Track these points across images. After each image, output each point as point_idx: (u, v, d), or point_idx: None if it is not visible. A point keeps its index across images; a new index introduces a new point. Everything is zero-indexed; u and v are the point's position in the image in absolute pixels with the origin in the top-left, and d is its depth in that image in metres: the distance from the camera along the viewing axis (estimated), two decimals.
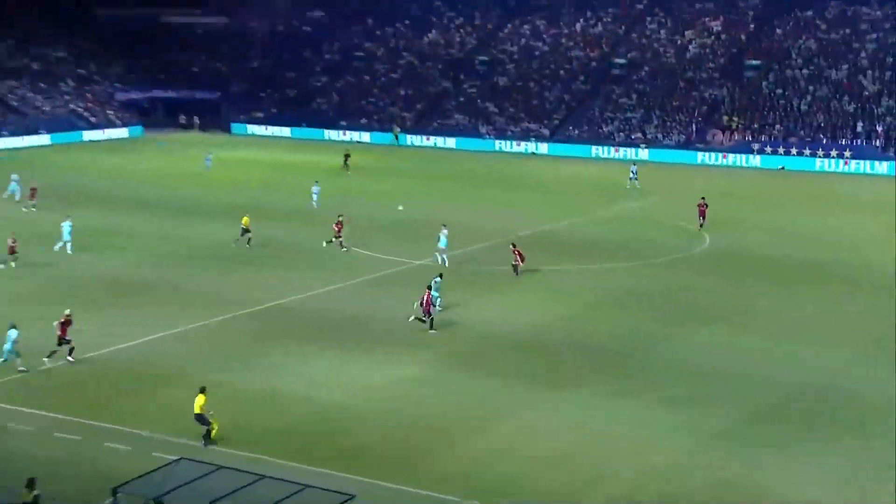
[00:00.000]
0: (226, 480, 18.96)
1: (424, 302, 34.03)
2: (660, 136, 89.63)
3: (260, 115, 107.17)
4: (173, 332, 33.56)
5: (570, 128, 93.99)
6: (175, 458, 20.84)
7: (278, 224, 52.15)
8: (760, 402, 27.99)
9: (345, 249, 45.99)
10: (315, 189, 57.68)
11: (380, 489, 22.47)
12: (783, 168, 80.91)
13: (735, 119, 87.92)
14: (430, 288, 34.63)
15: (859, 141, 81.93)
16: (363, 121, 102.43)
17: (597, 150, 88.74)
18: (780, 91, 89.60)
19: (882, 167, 78.39)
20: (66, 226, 45.22)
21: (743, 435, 25.67)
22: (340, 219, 46.86)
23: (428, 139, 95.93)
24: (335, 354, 31.79)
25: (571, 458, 24.16)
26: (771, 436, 25.59)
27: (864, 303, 38.62)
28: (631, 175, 68.21)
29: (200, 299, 37.81)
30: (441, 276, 36.91)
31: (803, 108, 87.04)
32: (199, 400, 24.68)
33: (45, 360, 29.97)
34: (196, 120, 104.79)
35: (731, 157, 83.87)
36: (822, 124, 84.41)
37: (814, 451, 24.63)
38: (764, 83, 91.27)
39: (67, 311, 30.78)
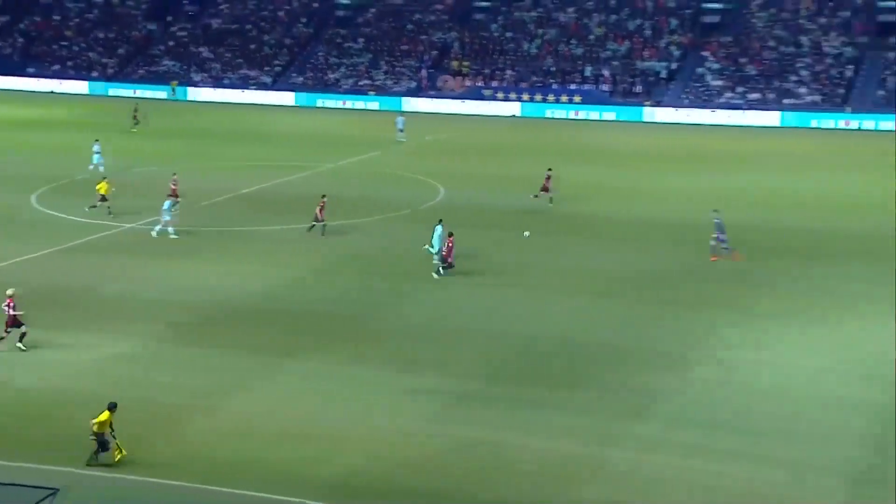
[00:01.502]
0: None
1: (447, 251, 36.41)
2: (389, 82, 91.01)
3: None
4: None
5: (294, 75, 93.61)
6: None
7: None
8: (497, 359, 29.38)
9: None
10: (96, 148, 54.88)
11: (91, 479, 21.89)
12: (514, 116, 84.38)
13: (465, 64, 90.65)
14: (451, 235, 36.77)
15: (588, 86, 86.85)
16: (55, 67, 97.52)
17: (322, 99, 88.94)
18: (509, 34, 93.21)
19: (610, 114, 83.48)
20: None
21: (482, 395, 26.88)
22: (175, 177, 46.56)
23: (135, 93, 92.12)
24: (30, 335, 30.37)
25: (305, 432, 24.45)
26: (509, 393, 26.96)
27: (594, 252, 41.15)
28: (399, 127, 68.76)
29: None
30: (441, 221, 38.18)
31: (533, 51, 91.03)
32: (102, 416, 22.53)
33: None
34: None
35: (463, 103, 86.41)
36: (553, 69, 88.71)
37: (551, 405, 26.20)
38: (493, 26, 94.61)
39: (10, 291, 28.97)
